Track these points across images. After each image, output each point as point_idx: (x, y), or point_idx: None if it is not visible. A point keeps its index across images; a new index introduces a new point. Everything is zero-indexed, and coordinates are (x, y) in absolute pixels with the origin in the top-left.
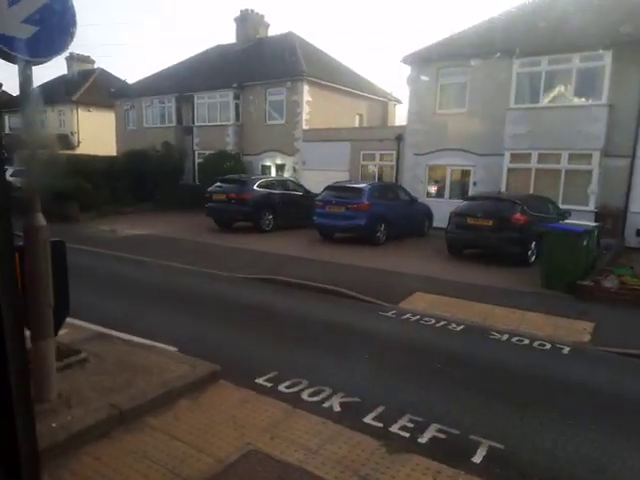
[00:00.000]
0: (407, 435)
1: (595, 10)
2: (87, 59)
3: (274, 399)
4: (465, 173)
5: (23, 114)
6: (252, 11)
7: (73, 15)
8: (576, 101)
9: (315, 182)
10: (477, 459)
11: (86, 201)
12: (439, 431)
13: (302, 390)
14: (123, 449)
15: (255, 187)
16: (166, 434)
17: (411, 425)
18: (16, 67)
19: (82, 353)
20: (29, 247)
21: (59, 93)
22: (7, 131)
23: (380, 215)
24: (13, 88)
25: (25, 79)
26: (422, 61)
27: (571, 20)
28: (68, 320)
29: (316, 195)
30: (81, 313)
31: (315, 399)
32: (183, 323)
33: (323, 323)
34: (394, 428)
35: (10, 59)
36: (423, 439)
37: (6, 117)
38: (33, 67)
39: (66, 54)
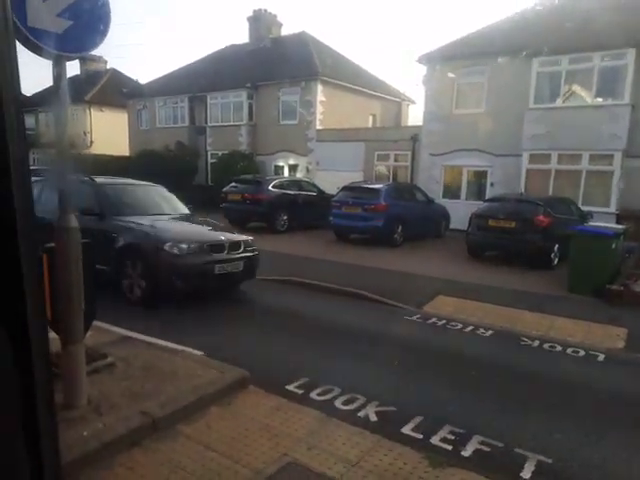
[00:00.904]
0: (449, 447)
1: (617, 8)
2: (99, 59)
3: (307, 407)
4: (482, 174)
5: (55, 112)
6: (265, 11)
7: (108, 12)
8: (597, 101)
9: (329, 182)
10: (526, 474)
11: None
12: (482, 443)
13: (335, 398)
14: (157, 459)
15: (270, 187)
16: (200, 444)
17: (452, 437)
18: (29, 67)
19: (109, 357)
20: (60, 249)
21: (72, 93)
22: None
23: (397, 216)
24: (25, 89)
25: (58, 75)
26: (439, 61)
27: (593, 18)
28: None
29: (330, 196)
30: (101, 315)
31: (349, 408)
32: (204, 325)
33: (348, 327)
34: (435, 440)
35: (42, 53)
36: (466, 452)
37: None
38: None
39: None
